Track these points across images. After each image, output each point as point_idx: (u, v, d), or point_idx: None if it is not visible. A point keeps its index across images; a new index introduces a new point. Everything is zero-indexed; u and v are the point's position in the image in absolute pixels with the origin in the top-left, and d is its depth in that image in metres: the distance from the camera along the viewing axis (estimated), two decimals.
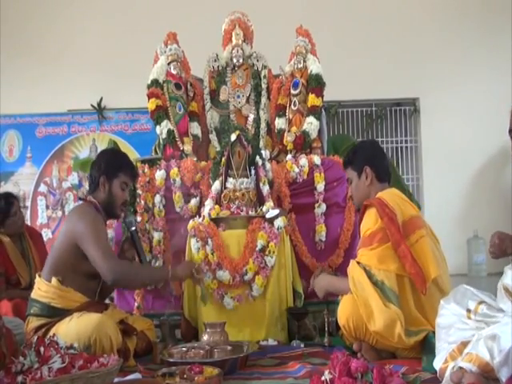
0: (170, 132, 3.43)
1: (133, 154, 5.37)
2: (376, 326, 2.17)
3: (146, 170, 3.24)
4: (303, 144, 3.41)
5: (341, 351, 1.89)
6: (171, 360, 2.20)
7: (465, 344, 1.75)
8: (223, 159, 3.11)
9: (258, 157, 3.15)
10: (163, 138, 3.45)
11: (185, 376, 1.91)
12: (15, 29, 6.64)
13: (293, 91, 3.54)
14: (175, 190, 3.21)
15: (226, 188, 3.07)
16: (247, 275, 2.82)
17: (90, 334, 2.16)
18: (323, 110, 3.61)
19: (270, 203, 3.00)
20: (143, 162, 3.33)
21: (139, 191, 3.19)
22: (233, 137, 3.11)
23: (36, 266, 3.45)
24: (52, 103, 6.51)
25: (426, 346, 2.15)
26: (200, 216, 3.04)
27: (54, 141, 6.55)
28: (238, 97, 3.70)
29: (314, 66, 3.52)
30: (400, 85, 6.62)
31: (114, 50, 6.51)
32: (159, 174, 3.22)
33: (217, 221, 2.97)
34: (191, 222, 2.98)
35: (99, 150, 4.83)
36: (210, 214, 2.97)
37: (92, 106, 6.57)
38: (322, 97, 3.50)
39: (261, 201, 3.06)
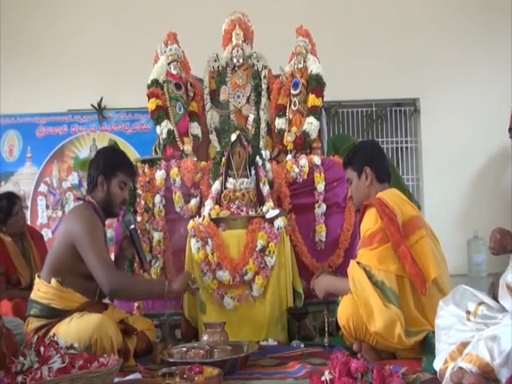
0: (170, 132, 3.43)
1: (133, 154, 5.37)
2: (376, 327, 2.17)
3: (146, 170, 3.24)
4: (303, 144, 3.42)
5: (341, 351, 1.89)
6: (171, 360, 2.20)
7: (465, 345, 1.74)
8: (223, 159, 3.12)
9: (258, 157, 3.15)
10: (163, 138, 3.45)
11: (185, 376, 1.91)
12: (15, 29, 6.63)
13: (293, 91, 3.54)
14: (175, 190, 3.21)
15: (226, 188, 3.07)
16: (247, 275, 2.83)
17: (91, 334, 2.16)
18: (323, 110, 3.62)
19: (270, 203, 3.00)
20: (143, 162, 3.33)
21: (139, 191, 3.19)
22: (233, 137, 3.11)
23: (37, 266, 3.45)
24: (52, 103, 6.50)
25: (426, 347, 2.14)
26: (200, 216, 3.05)
27: (54, 141, 6.54)
28: (238, 97, 3.71)
29: (314, 66, 3.52)
30: (400, 85, 6.60)
31: (113, 50, 6.50)
32: (159, 174, 3.22)
33: (217, 221, 2.97)
34: (191, 222, 2.99)
35: None
36: (210, 214, 2.97)
37: (92, 105, 6.56)
38: (322, 97, 3.50)
39: (261, 201, 3.06)
